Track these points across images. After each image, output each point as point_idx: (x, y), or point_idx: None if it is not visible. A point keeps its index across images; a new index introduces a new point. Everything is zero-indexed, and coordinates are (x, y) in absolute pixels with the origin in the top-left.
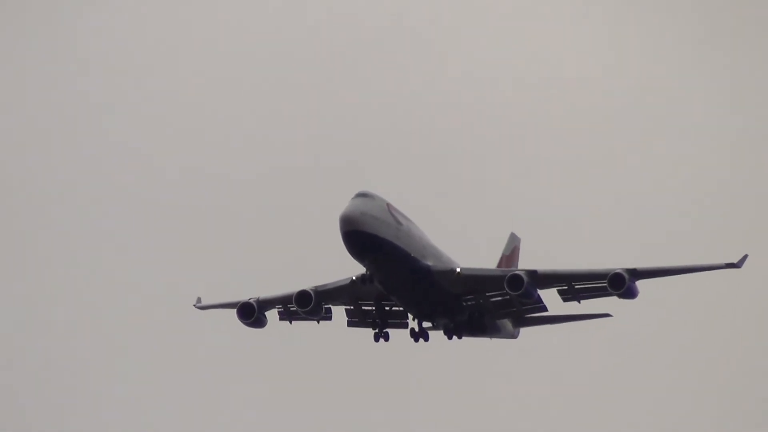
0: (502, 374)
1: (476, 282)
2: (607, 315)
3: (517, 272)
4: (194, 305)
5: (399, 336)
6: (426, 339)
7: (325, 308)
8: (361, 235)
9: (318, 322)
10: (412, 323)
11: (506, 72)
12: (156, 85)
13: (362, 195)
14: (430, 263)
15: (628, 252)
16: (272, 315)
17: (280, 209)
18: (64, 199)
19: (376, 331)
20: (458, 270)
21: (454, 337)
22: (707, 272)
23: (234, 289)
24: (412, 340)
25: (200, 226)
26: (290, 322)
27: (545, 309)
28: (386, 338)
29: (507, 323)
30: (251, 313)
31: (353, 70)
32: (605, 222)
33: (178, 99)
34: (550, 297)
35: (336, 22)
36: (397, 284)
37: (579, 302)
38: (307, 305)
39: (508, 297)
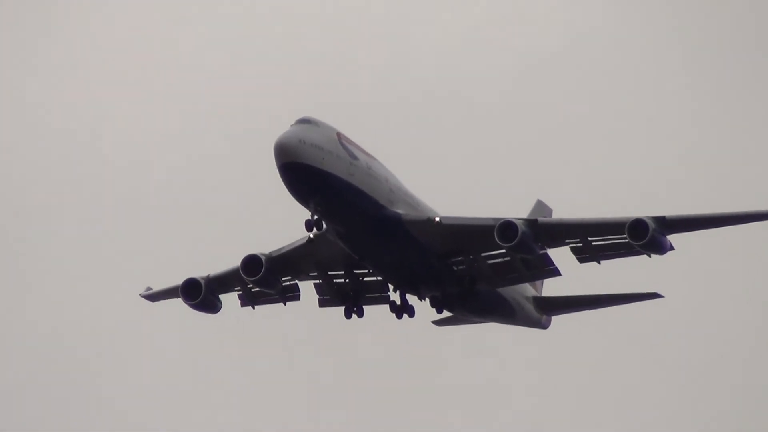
0: (504, 362)
1: (461, 235)
2: (655, 295)
3: (509, 219)
4: (140, 294)
5: (378, 312)
6: (411, 314)
7: (291, 284)
8: (299, 169)
9: (285, 304)
10: (394, 296)
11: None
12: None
13: (304, 121)
14: (399, 211)
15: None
16: (232, 301)
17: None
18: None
19: (347, 305)
20: (437, 219)
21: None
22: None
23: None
24: (394, 315)
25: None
26: (253, 308)
27: (557, 272)
28: (360, 314)
29: (526, 305)
30: (197, 292)
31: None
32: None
33: None
34: (580, 276)
35: None
36: (361, 239)
37: (599, 263)
38: (257, 273)
39: (508, 258)
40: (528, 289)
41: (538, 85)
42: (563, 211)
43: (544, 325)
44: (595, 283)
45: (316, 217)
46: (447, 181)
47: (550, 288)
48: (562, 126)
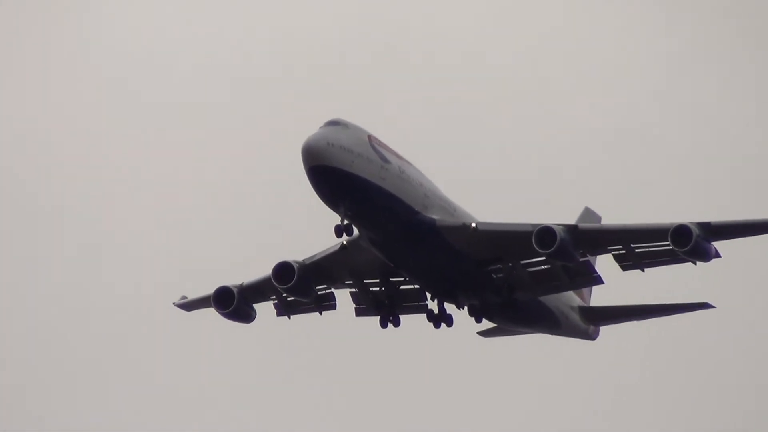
0: (546, 373)
1: (499, 241)
2: (706, 306)
3: (548, 225)
4: (174, 303)
5: (416, 322)
6: (449, 324)
7: (326, 293)
8: (327, 172)
9: (320, 313)
10: (432, 304)
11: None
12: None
13: (333, 123)
14: (434, 216)
15: None
16: (267, 310)
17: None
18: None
19: (383, 314)
20: (473, 225)
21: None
22: None
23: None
24: (432, 325)
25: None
26: (289, 317)
27: (600, 281)
28: (396, 323)
29: (571, 315)
30: (230, 301)
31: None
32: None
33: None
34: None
35: None
36: (394, 246)
37: (643, 270)
38: (288, 281)
39: (548, 266)
40: (573, 298)
41: (588, 91)
42: (613, 218)
43: (591, 336)
44: (644, 292)
45: (345, 222)
46: (491, 188)
47: (600, 297)
48: (612, 132)
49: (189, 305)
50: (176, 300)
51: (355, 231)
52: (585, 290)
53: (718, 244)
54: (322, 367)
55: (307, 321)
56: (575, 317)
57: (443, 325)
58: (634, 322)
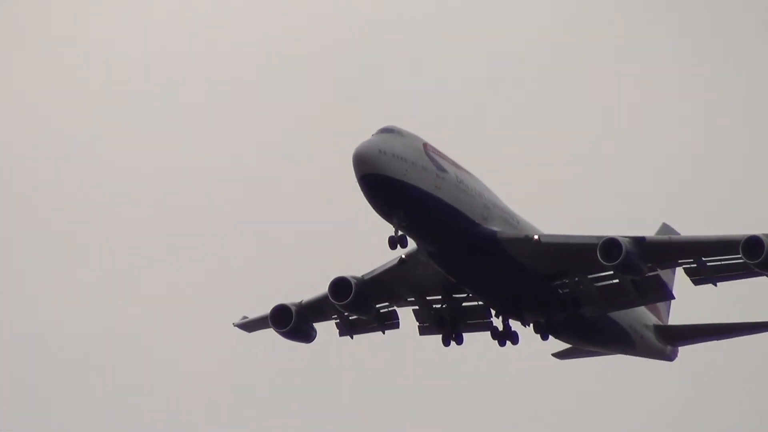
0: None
1: (563, 254)
2: None
3: (613, 236)
4: (234, 324)
5: (481, 340)
6: (514, 341)
7: (389, 311)
8: (379, 181)
9: (383, 332)
10: (497, 321)
11: None
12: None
13: (386, 130)
14: (495, 228)
15: None
16: (328, 330)
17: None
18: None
19: (445, 331)
20: (536, 237)
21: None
22: None
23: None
24: (496, 342)
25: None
26: (351, 337)
27: (671, 296)
28: (459, 341)
29: (646, 334)
30: (287, 319)
31: None
32: None
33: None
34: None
35: None
36: (454, 259)
37: (715, 285)
38: (346, 297)
39: (616, 281)
40: (648, 316)
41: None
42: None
43: (669, 357)
44: (726, 310)
45: (400, 233)
46: (568, 204)
47: (681, 316)
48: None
49: (249, 326)
50: (236, 321)
51: (413, 244)
52: (662, 308)
53: None
54: (385, 387)
55: (370, 340)
56: (650, 336)
57: (508, 343)
58: (715, 342)
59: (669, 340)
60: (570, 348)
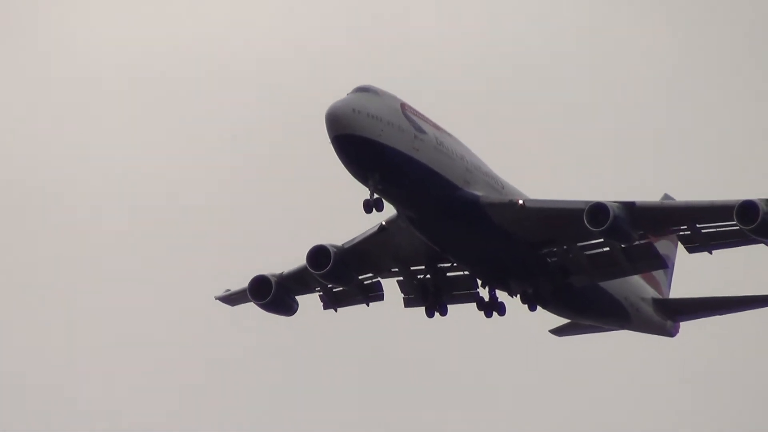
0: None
1: (550, 220)
2: None
3: (601, 201)
4: (216, 297)
5: (467, 312)
6: (501, 312)
7: (372, 282)
8: (353, 142)
9: (368, 304)
10: (483, 292)
11: None
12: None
13: (362, 89)
14: (477, 192)
15: None
16: (312, 303)
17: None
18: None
19: (429, 302)
20: (521, 202)
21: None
22: None
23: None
24: (483, 314)
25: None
26: (335, 310)
27: (664, 264)
28: (443, 312)
29: (643, 308)
30: (266, 290)
31: None
32: None
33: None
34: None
35: None
36: (435, 226)
37: (710, 253)
38: (325, 266)
39: (607, 249)
40: (646, 289)
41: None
42: None
43: (670, 332)
44: (730, 284)
45: (375, 196)
46: (566, 174)
47: (684, 290)
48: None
49: (231, 299)
50: (219, 294)
51: (394, 210)
52: (661, 281)
53: None
54: (368, 360)
55: (354, 313)
56: (648, 309)
57: (495, 314)
58: (718, 317)
59: (669, 315)
60: (567, 324)
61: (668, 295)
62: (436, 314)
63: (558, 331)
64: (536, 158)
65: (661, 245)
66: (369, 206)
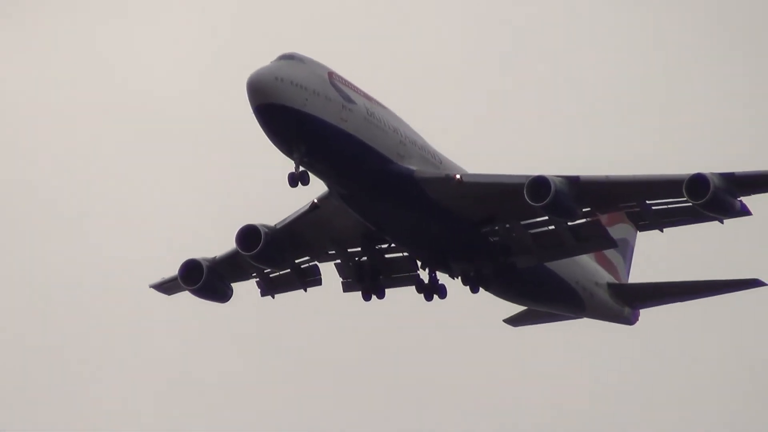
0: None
1: (491, 195)
2: (757, 283)
3: (542, 175)
4: (151, 286)
5: (408, 295)
6: (442, 295)
7: (310, 266)
8: (275, 111)
9: (305, 290)
10: (423, 274)
11: None
12: None
13: (286, 57)
14: (411, 166)
15: None
16: (248, 290)
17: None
18: None
19: (365, 285)
20: (458, 176)
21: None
22: None
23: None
24: (423, 297)
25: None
26: (273, 296)
27: (613, 243)
28: (380, 295)
29: (597, 293)
30: (197, 275)
31: None
32: None
33: None
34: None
35: None
36: (367, 202)
37: (661, 231)
38: (254, 247)
39: (552, 227)
40: (600, 273)
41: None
42: None
43: (628, 320)
44: (693, 271)
45: (301, 169)
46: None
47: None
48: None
49: (165, 287)
50: (153, 282)
51: (325, 187)
52: (619, 265)
53: (748, 201)
54: (304, 350)
55: (291, 299)
56: (603, 295)
57: (435, 297)
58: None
59: (626, 301)
60: (523, 312)
61: (627, 280)
62: (374, 298)
63: (513, 321)
64: (482, 134)
65: (619, 229)
66: (294, 180)
